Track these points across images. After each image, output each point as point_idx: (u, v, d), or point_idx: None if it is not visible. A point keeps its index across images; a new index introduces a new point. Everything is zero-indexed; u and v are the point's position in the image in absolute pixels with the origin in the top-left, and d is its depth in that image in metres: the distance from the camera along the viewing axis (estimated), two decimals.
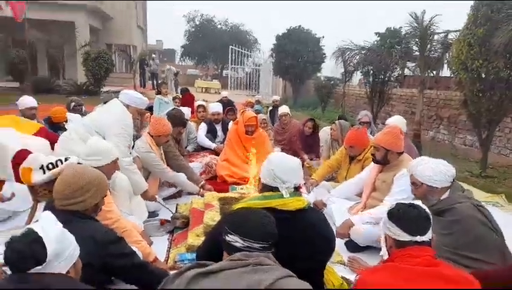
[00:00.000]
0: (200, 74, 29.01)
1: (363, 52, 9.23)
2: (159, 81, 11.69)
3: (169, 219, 3.39)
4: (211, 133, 5.63)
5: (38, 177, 2.61)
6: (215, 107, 5.73)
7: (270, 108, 8.64)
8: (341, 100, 13.01)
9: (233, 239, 1.40)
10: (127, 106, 3.13)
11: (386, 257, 1.78)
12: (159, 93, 6.61)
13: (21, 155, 2.65)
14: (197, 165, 4.64)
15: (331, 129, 4.93)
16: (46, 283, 1.20)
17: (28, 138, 2.82)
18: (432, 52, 7.58)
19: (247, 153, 4.73)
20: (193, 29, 31.62)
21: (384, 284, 1.38)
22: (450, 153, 7.48)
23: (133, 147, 3.42)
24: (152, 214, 3.49)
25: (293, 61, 15.54)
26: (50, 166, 2.65)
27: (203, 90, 22.66)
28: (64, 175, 1.80)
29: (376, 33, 9.21)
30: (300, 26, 16.42)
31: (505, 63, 4.95)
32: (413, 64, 8.57)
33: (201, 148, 5.52)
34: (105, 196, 1.99)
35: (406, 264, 1.42)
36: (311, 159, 5.18)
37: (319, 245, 1.83)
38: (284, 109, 6.02)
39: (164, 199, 3.81)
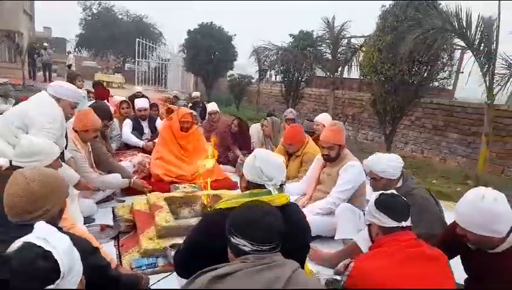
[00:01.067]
0: (98, 66, 26.74)
1: (279, 52, 9.64)
2: (72, 72, 10.37)
3: (109, 224, 3.11)
4: (137, 131, 5.28)
5: None
6: (142, 103, 5.39)
7: (190, 104, 8.48)
8: (256, 97, 13.41)
9: (241, 243, 1.35)
10: (58, 100, 2.75)
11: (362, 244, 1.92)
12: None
13: None
14: (127, 164, 4.29)
15: (262, 126, 5.06)
16: None
17: None
18: (342, 55, 8.32)
19: (182, 151, 4.61)
20: (90, 18, 29.00)
21: (381, 267, 1.50)
22: (356, 147, 8.33)
23: (66, 146, 3.03)
24: (88, 219, 3.15)
25: (205, 57, 15.41)
26: None
27: (105, 84, 20.97)
28: (14, 186, 1.48)
29: (290, 35, 9.73)
30: (212, 22, 16.37)
31: (408, 68, 5.70)
32: (322, 65, 9.30)
33: (126, 147, 5.15)
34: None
35: (394, 248, 1.56)
36: (244, 155, 5.24)
37: (301, 238, 1.89)
38: (213, 107, 5.96)
39: (97, 203, 3.48)
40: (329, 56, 8.44)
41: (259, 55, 11.45)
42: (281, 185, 1.89)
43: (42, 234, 1.10)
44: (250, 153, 5.17)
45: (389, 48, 5.76)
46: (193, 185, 4.02)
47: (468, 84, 6.29)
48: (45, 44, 19.57)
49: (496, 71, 4.90)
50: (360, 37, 7.60)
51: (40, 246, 1.05)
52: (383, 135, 6.85)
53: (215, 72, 16.05)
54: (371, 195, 1.95)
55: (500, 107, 6.16)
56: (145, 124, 5.39)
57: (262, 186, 1.86)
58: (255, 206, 1.54)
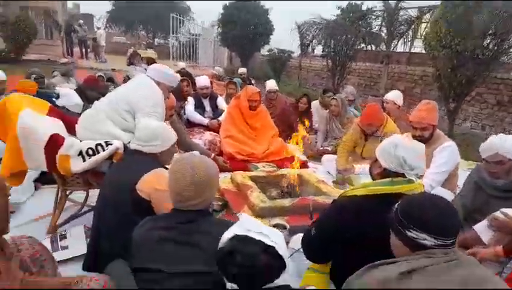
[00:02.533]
0: (128, 42, 26.86)
1: (329, 25, 9.28)
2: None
3: None
4: (199, 109, 5.27)
5: (77, 165, 2.20)
6: (203, 81, 5.34)
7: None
8: (295, 72, 13.14)
9: (421, 237, 1.27)
10: (158, 83, 2.74)
11: None
12: (131, 64, 5.94)
13: (55, 141, 2.18)
14: (197, 142, 4.32)
15: (331, 105, 4.92)
16: None
17: (44, 119, 2.30)
18: (397, 28, 7.92)
19: (250, 130, 4.58)
20: None
21: None
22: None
23: None
24: None
25: (242, 31, 15.13)
26: (90, 152, 2.25)
27: None
28: (182, 170, 1.47)
29: (338, 7, 9.33)
30: None
31: (482, 42, 5.34)
32: (373, 38, 8.91)
33: (189, 125, 5.16)
34: None
35: None
36: (308, 133, 5.16)
37: None
38: (272, 85, 5.83)
39: None
40: (382, 29, 8.05)
41: (302, 29, 11.12)
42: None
43: (256, 228, 1.07)
44: (311, 130, 5.10)
45: (459, 20, 5.39)
46: (271, 164, 4.01)
47: None
48: (80, 20, 19.80)
49: None
50: (423, 7, 7.17)
51: (260, 240, 1.02)
52: (446, 111, 6.55)
53: (252, 47, 15.78)
54: None
55: None
56: (206, 102, 5.35)
57: (401, 174, 1.78)
58: (429, 198, 1.45)
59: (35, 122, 2.17)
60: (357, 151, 4.02)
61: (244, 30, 15.11)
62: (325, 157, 4.36)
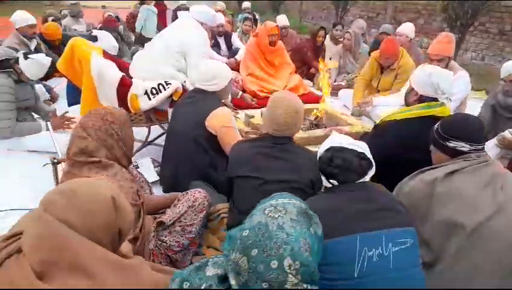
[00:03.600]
0: None
1: None
2: None
3: None
4: (216, 47, 5.39)
5: (145, 103, 2.49)
6: (220, 19, 5.39)
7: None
8: (296, 6, 12.84)
9: (459, 145, 1.63)
10: (201, 24, 2.91)
11: None
12: (143, 3, 5.86)
13: (124, 81, 2.44)
14: None
15: (344, 39, 5.08)
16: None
17: (108, 62, 2.52)
18: None
19: (270, 66, 4.78)
20: None
21: None
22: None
23: None
24: None
25: None
26: (154, 91, 2.53)
27: None
28: (287, 102, 1.79)
29: None
30: None
31: None
32: None
33: None
34: None
35: None
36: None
37: None
38: (284, 21, 5.88)
39: None
40: None
41: None
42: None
43: (345, 141, 1.42)
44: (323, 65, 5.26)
45: None
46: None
47: None
48: None
49: None
50: None
51: (352, 149, 1.37)
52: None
53: None
54: None
55: None
56: (221, 41, 5.47)
57: (435, 99, 2.11)
58: (461, 116, 1.83)
59: (105, 63, 2.40)
60: (373, 85, 4.29)
61: None
62: (342, 91, 4.64)
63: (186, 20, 2.90)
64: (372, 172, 1.39)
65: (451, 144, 1.65)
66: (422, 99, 2.13)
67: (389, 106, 3.86)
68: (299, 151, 1.89)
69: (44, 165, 1.90)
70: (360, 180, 1.37)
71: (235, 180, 1.85)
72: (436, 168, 1.67)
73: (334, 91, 4.96)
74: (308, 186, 1.81)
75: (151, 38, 6.09)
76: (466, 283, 1.46)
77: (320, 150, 1.48)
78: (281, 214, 0.92)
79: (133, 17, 7.55)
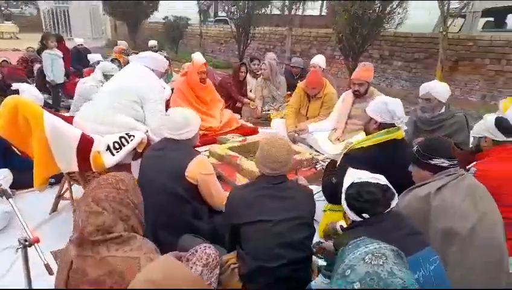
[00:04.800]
0: None
1: None
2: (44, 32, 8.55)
3: None
4: None
5: (109, 160, 2.29)
6: None
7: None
8: (194, 40, 13.05)
9: (440, 161, 1.91)
10: (152, 70, 2.82)
11: None
12: (44, 47, 5.27)
13: (86, 140, 2.19)
14: None
15: (261, 70, 5.40)
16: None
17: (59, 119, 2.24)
18: None
19: (201, 104, 4.77)
20: None
21: (504, 171, 2.17)
22: None
23: None
24: None
25: None
26: (116, 145, 2.33)
27: None
28: (277, 144, 1.86)
29: None
30: None
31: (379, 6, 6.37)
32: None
33: None
34: None
35: (504, 155, 2.26)
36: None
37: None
38: (203, 58, 5.94)
39: None
40: None
41: None
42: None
43: (365, 175, 1.54)
44: (247, 98, 5.50)
45: None
46: (239, 134, 4.35)
47: (410, 18, 7.33)
48: None
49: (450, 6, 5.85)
50: None
51: (375, 182, 1.50)
52: (347, 68, 7.65)
53: (141, 14, 14.84)
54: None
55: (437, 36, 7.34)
56: None
57: (392, 124, 2.40)
58: (435, 137, 2.12)
59: (60, 121, 2.13)
60: (302, 112, 4.62)
61: None
62: (274, 121, 4.87)
63: (137, 68, 2.78)
64: (395, 201, 1.52)
65: (434, 161, 1.91)
66: (382, 126, 2.41)
67: (323, 131, 4.24)
68: (296, 187, 1.97)
69: (16, 251, 1.58)
70: (387, 210, 1.49)
71: (243, 227, 1.81)
72: (425, 184, 1.90)
73: (265, 121, 5.22)
74: (310, 219, 1.89)
75: (62, 84, 5.65)
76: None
77: (344, 186, 1.57)
78: (383, 260, 0.97)
79: (25, 62, 6.78)
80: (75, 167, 2.19)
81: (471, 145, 2.95)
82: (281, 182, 1.87)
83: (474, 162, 2.36)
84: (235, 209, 1.85)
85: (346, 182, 1.56)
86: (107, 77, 4.36)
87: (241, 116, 5.48)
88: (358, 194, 1.48)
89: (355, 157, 2.39)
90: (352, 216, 1.52)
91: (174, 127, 2.24)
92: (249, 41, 10.20)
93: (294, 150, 3.65)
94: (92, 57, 6.31)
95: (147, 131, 2.57)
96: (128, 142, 2.37)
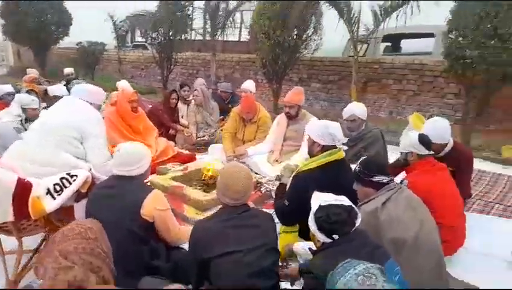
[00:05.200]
0: None
1: (156, 15, 9.28)
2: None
3: None
4: None
5: (50, 204, 2.09)
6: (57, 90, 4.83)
7: (64, 83, 7.68)
8: (111, 66, 12.50)
9: (381, 178, 2.13)
10: (90, 104, 2.68)
11: None
12: None
13: (23, 185, 1.97)
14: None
15: (194, 96, 5.41)
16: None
17: None
18: (218, 19, 8.80)
19: (134, 134, 4.58)
20: None
21: (429, 182, 2.47)
22: None
23: None
24: None
25: (35, 23, 12.93)
26: (57, 187, 2.15)
27: None
28: (237, 173, 1.87)
29: None
30: None
31: (297, 33, 6.86)
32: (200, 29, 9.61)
33: None
34: None
35: (428, 168, 2.59)
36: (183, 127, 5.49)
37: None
38: (129, 85, 5.74)
39: None
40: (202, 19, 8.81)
41: (116, 20, 10.76)
42: None
43: (330, 198, 1.65)
44: (180, 125, 5.47)
45: (278, 15, 6.73)
46: (178, 163, 4.24)
47: (325, 44, 8.05)
48: None
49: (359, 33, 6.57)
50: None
51: (340, 204, 1.62)
52: (272, 92, 8.03)
53: (49, 40, 13.76)
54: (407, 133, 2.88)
55: (349, 59, 8.15)
56: None
57: (333, 146, 2.61)
58: (371, 156, 2.34)
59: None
60: (238, 137, 4.72)
61: (38, 21, 12.94)
62: (212, 146, 4.89)
63: (74, 102, 2.61)
64: (359, 219, 1.66)
65: (375, 179, 2.12)
66: (324, 148, 2.59)
67: (261, 153, 4.38)
68: (260, 213, 2.02)
69: None
70: (353, 229, 1.61)
71: (214, 260, 1.79)
72: (371, 200, 2.10)
73: (201, 147, 5.20)
74: (276, 244, 1.95)
75: None
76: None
77: (312, 210, 1.66)
78: (374, 280, 1.07)
79: None
80: (11, 217, 1.96)
81: (398, 159, 3.34)
82: (244, 211, 1.90)
83: (404, 175, 2.68)
84: (202, 243, 1.83)
85: (314, 206, 1.67)
86: (25, 111, 3.96)
87: (175, 143, 5.38)
88: (327, 217, 1.59)
89: (304, 178, 2.53)
90: (323, 238, 1.62)
91: (125, 163, 2.15)
92: (172, 66, 10.11)
93: (180, 185, 3.65)
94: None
95: (90, 169, 2.41)
96: (70, 183, 2.19)
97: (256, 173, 4.13)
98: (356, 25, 6.46)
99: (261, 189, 3.58)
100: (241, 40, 11.84)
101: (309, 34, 7.46)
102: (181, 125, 5.51)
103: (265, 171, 4.11)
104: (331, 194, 1.72)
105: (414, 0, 6.10)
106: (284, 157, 4.20)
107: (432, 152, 2.66)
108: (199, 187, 3.63)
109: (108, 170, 2.60)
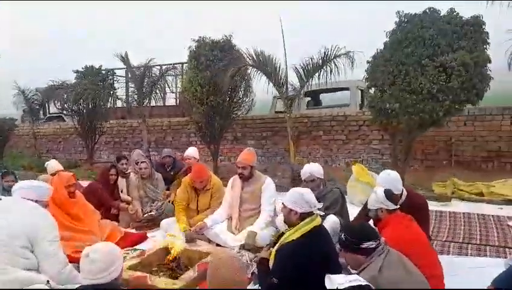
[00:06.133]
0: None
1: (71, 89, 8.85)
2: None
3: None
4: None
5: None
6: None
7: None
8: (21, 142, 11.34)
9: (370, 244, 2.14)
10: (36, 201, 2.33)
11: None
12: None
13: None
14: None
15: (140, 169, 5.11)
16: None
17: None
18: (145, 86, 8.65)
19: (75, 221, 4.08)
20: None
21: (406, 236, 2.58)
22: None
23: None
24: None
25: None
26: None
27: None
28: (229, 267, 1.72)
29: (76, 71, 9.08)
30: None
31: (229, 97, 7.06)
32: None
33: None
34: None
35: (400, 221, 2.71)
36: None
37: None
38: (58, 166, 5.23)
39: None
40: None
41: (26, 94, 10.02)
42: None
43: (344, 280, 1.61)
44: (122, 202, 5.13)
45: (209, 82, 6.90)
46: (130, 248, 3.83)
47: (257, 104, 8.42)
48: None
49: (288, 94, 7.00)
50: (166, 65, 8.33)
51: (358, 285, 1.58)
52: (210, 153, 7.99)
53: None
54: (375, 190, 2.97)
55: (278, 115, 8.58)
56: None
57: (311, 213, 2.61)
58: (356, 223, 2.37)
59: None
60: (192, 207, 4.48)
61: None
62: (164, 221, 4.55)
63: (17, 202, 2.25)
64: None
65: (364, 245, 2.13)
66: (302, 216, 2.58)
67: (220, 222, 4.17)
68: None
69: None
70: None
71: None
72: (364, 269, 2.09)
73: (148, 223, 4.80)
74: None
75: None
76: None
77: None
78: None
79: None
80: None
81: (359, 214, 3.48)
82: None
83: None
84: None
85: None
86: None
87: (118, 223, 4.92)
88: None
89: (290, 251, 2.46)
90: None
91: (97, 269, 1.86)
92: (97, 136, 9.56)
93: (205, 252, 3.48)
94: None
95: (48, 281, 2.04)
96: None
97: (217, 245, 3.94)
98: (284, 86, 6.88)
99: None
100: (166, 104, 11.78)
101: (240, 97, 7.72)
102: (124, 202, 5.10)
103: (227, 242, 3.92)
104: (342, 275, 1.68)
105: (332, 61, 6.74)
106: (244, 223, 4.07)
107: (398, 205, 2.81)
108: (162, 273, 3.30)
109: (66, 278, 2.25)
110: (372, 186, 5.42)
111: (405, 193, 3.27)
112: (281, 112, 9.96)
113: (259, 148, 9.28)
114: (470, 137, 7.07)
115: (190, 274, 3.06)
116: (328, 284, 1.65)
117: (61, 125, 12.13)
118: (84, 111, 9.16)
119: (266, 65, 6.69)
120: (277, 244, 2.60)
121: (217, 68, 6.90)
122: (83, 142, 9.82)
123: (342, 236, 2.21)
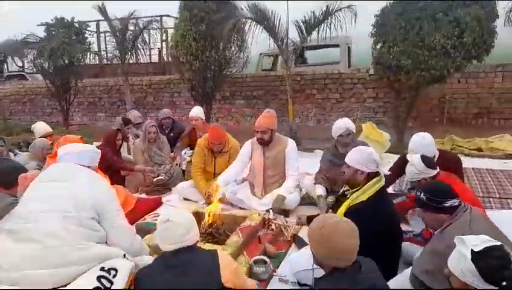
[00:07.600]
0: None
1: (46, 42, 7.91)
2: None
3: None
4: None
5: None
6: None
7: None
8: None
9: (453, 201, 2.03)
10: (88, 167, 2.04)
11: None
12: None
13: None
14: None
15: (148, 133, 4.72)
16: None
17: None
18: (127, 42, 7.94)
19: None
20: None
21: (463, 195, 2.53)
22: None
23: None
24: None
25: None
26: None
27: None
28: (345, 232, 1.65)
29: (43, 23, 8.10)
30: None
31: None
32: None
33: None
34: None
35: (452, 181, 2.66)
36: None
37: None
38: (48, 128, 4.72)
39: None
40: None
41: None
42: None
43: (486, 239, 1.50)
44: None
45: (204, 36, 6.40)
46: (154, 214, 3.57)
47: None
48: None
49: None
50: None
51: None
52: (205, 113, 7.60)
53: None
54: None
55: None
56: None
57: (377, 173, 2.48)
58: (435, 181, 2.27)
59: None
60: (209, 170, 4.24)
61: None
62: (180, 185, 4.29)
63: (74, 169, 1.95)
64: None
65: (448, 203, 2.05)
66: (370, 176, 2.45)
67: (232, 181, 3.94)
68: None
69: None
70: None
71: None
72: (449, 226, 2.00)
73: (158, 187, 4.52)
74: None
75: None
76: None
77: (465, 258, 1.47)
78: None
79: None
80: None
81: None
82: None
83: None
84: None
85: (464, 252, 1.49)
86: None
87: (125, 187, 4.58)
88: (506, 261, 1.43)
89: (358, 213, 2.34)
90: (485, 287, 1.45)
91: (178, 234, 1.73)
92: (72, 96, 8.79)
93: (241, 216, 3.32)
94: None
95: (124, 255, 1.80)
96: (111, 282, 1.59)
97: (241, 208, 3.77)
98: (285, 41, 6.55)
99: (272, 226, 3.23)
100: (145, 61, 10.98)
101: (234, 53, 7.29)
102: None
103: (253, 205, 3.76)
104: (473, 236, 1.57)
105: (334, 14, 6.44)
106: (268, 189, 3.89)
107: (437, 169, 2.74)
108: (201, 239, 3.10)
109: (137, 250, 2.05)
110: (382, 144, 5.47)
111: (437, 153, 3.21)
112: (267, 70, 9.65)
113: (249, 108, 9.01)
114: (462, 94, 7.22)
115: (235, 239, 2.89)
116: (460, 245, 1.54)
117: (24, 85, 11.06)
118: (55, 69, 8.29)
119: (266, 19, 6.27)
120: (342, 207, 2.46)
121: (212, 21, 6.39)
122: (53, 103, 9.02)
123: (422, 196, 2.10)
